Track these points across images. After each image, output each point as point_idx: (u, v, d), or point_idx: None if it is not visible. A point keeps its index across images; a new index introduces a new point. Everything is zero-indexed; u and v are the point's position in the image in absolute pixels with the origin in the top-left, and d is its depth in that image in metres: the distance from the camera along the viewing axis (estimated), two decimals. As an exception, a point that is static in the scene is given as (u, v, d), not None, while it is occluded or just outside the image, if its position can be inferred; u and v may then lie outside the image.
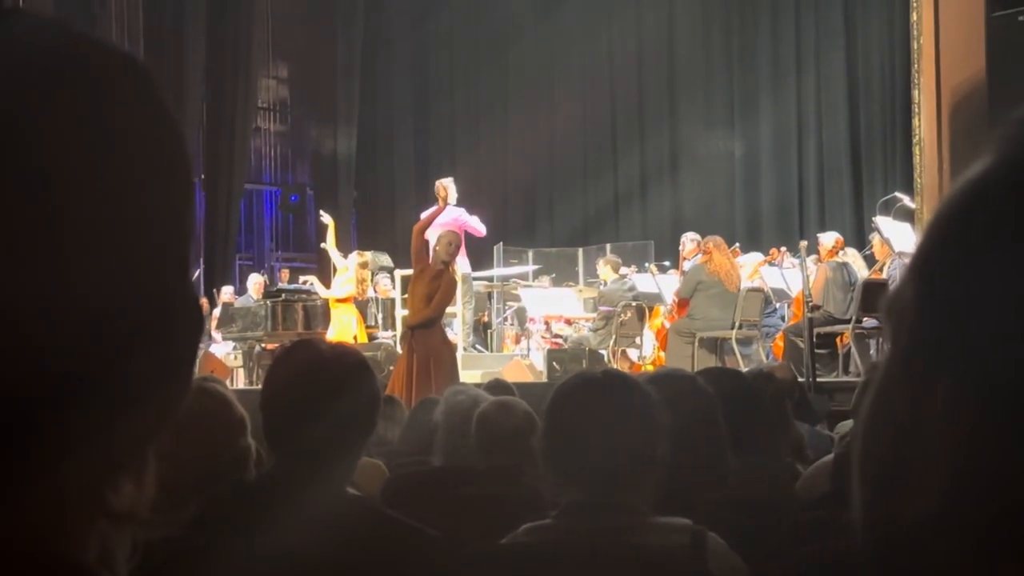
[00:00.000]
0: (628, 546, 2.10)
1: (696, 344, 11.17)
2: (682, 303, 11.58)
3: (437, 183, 11.44)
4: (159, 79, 0.61)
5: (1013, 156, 0.57)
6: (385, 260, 14.66)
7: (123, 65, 0.60)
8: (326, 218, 13.40)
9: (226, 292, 16.21)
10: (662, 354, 12.09)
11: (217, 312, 14.73)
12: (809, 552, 2.43)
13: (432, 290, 9.12)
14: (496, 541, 2.32)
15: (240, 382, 12.92)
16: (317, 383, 2.22)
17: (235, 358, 13.60)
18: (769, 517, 2.79)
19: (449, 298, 9.60)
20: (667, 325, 12.14)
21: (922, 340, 0.58)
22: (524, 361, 12.16)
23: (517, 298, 14.15)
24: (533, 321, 13.64)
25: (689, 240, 12.93)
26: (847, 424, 5.13)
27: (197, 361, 0.69)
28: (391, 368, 10.02)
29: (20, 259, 0.55)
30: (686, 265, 12.66)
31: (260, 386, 2.49)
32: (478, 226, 11.99)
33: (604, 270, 13.31)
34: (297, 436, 2.23)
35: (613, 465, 2.15)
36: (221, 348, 14.18)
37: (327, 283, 13.12)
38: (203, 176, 20.95)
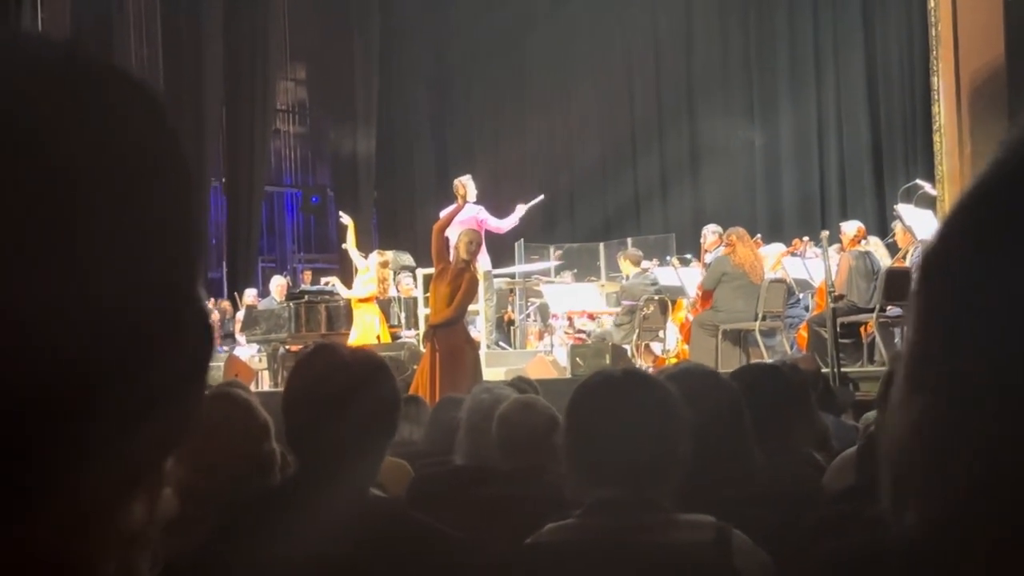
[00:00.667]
0: (652, 544, 2.10)
1: (720, 336, 11.15)
2: (706, 296, 11.56)
3: (456, 181, 11.44)
4: (167, 102, 0.63)
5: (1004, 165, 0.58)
6: (406, 259, 14.67)
7: (133, 87, 0.62)
8: (346, 219, 13.41)
9: (249, 295, 16.28)
10: (686, 347, 12.07)
11: (241, 315, 14.79)
12: (835, 547, 2.42)
13: (453, 289, 9.12)
14: (519, 542, 2.32)
15: (265, 384, 12.95)
16: (337, 387, 2.22)
17: (259, 360, 13.64)
18: (795, 511, 2.78)
19: (471, 297, 9.61)
20: (690, 318, 12.12)
21: (914, 339, 0.59)
22: (548, 357, 12.15)
23: (539, 294, 14.14)
24: (556, 317, 13.63)
25: (711, 232, 12.90)
26: (872, 414, 5.11)
27: (209, 372, 0.69)
28: (415, 367, 10.03)
29: (29, 269, 0.55)
30: (708, 258, 12.63)
31: (292, 368, 2.50)
32: (498, 223, 11.98)
33: (624, 265, 13.29)
34: (318, 440, 2.24)
35: (636, 463, 2.15)
36: (245, 351, 14.23)
37: (349, 284, 13.15)
38: (224, 179, 21.03)
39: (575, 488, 2.22)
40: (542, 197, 12.54)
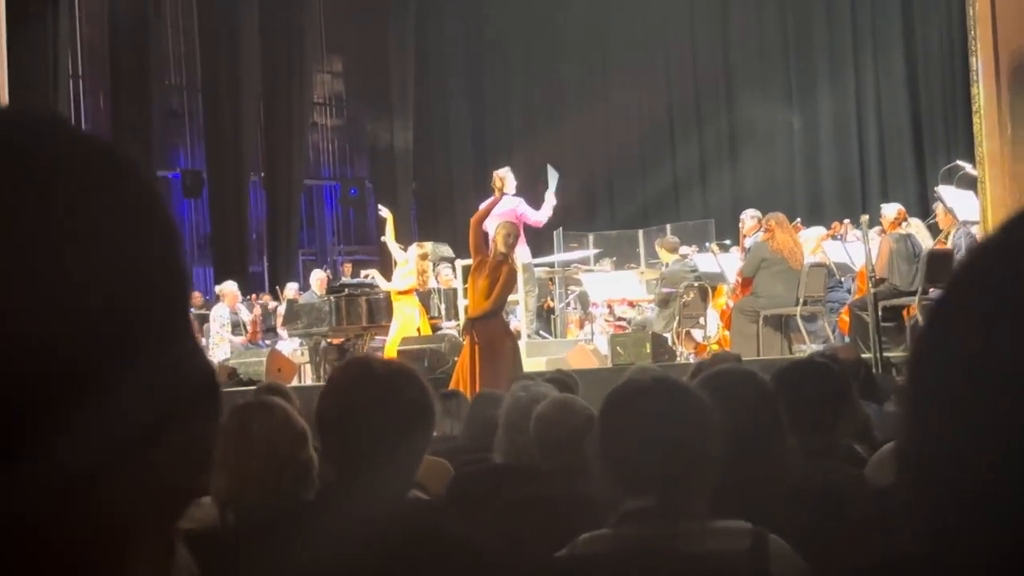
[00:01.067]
0: (687, 554, 2.10)
1: (761, 322, 11.10)
2: (745, 281, 11.51)
3: (494, 174, 11.43)
4: (137, 164, 0.67)
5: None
6: (446, 251, 14.69)
7: (104, 153, 0.66)
8: (385, 212, 13.43)
9: (290, 289, 16.36)
10: (726, 333, 12.03)
11: (282, 309, 14.87)
12: (877, 548, 2.40)
13: (492, 282, 9.14)
14: (554, 544, 2.32)
15: (308, 378, 13.03)
16: (369, 400, 2.23)
17: (302, 354, 13.72)
18: (835, 510, 2.76)
19: (509, 289, 9.62)
20: (731, 304, 12.07)
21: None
22: (588, 346, 12.14)
23: (579, 283, 14.12)
24: (596, 305, 13.61)
25: (749, 217, 12.83)
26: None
27: (217, 384, 0.70)
28: (455, 359, 10.05)
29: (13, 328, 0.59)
30: (747, 243, 12.56)
31: (325, 382, 2.53)
32: (536, 215, 11.94)
33: (661, 253, 13.26)
34: (353, 454, 2.25)
35: (668, 473, 2.15)
36: (287, 345, 14.32)
37: (388, 276, 13.18)
38: (263, 174, 21.15)
39: (609, 497, 2.22)
40: (555, 172, 12.42)
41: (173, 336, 0.66)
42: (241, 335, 14.77)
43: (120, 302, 0.63)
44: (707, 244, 14.48)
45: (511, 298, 10.60)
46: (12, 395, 0.59)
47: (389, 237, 13.11)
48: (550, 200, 12.15)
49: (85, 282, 0.61)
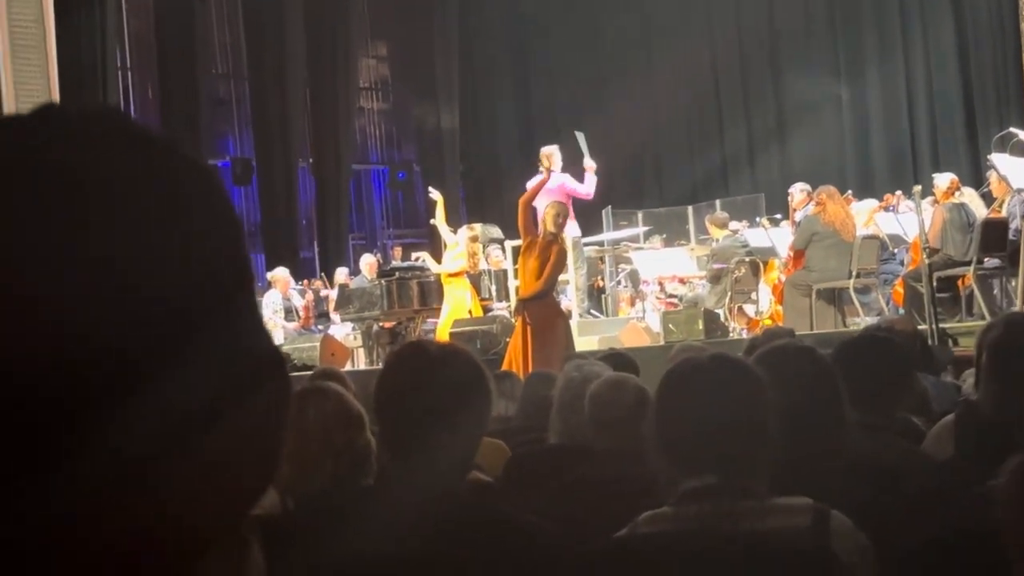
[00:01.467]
0: (748, 532, 2.09)
1: (813, 296, 11.02)
2: (797, 255, 11.42)
3: (540, 152, 11.41)
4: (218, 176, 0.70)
5: None
6: (495, 232, 14.68)
7: (191, 167, 0.68)
8: (435, 194, 13.44)
9: (341, 273, 16.42)
10: (779, 308, 11.95)
11: (334, 294, 14.94)
12: (935, 522, 2.38)
13: (542, 262, 9.13)
14: (610, 525, 2.32)
15: (361, 362, 13.09)
16: (424, 384, 2.24)
17: (354, 338, 13.77)
18: (892, 484, 2.74)
19: (560, 269, 9.61)
20: (783, 279, 11.99)
21: None
22: (640, 324, 12.11)
23: (629, 261, 14.08)
24: (647, 283, 13.56)
25: (798, 191, 12.72)
26: (969, 376, 5.02)
27: (285, 366, 0.71)
28: (507, 340, 10.06)
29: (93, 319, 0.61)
30: (797, 216, 12.47)
31: (380, 366, 2.54)
32: (584, 188, 11.90)
33: (711, 229, 13.19)
34: (410, 436, 2.26)
35: (728, 450, 2.14)
36: (340, 329, 14.39)
37: (439, 258, 13.20)
38: (312, 160, 21.24)
39: (667, 475, 2.22)
40: (580, 134, 12.36)
41: (238, 318, 0.67)
42: (294, 321, 14.86)
43: (184, 286, 0.64)
44: (757, 219, 14.39)
45: (562, 278, 10.58)
46: (76, 382, 0.60)
47: (439, 220, 13.12)
48: (590, 166, 12.09)
49: (149, 267, 0.63)
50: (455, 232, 13.03)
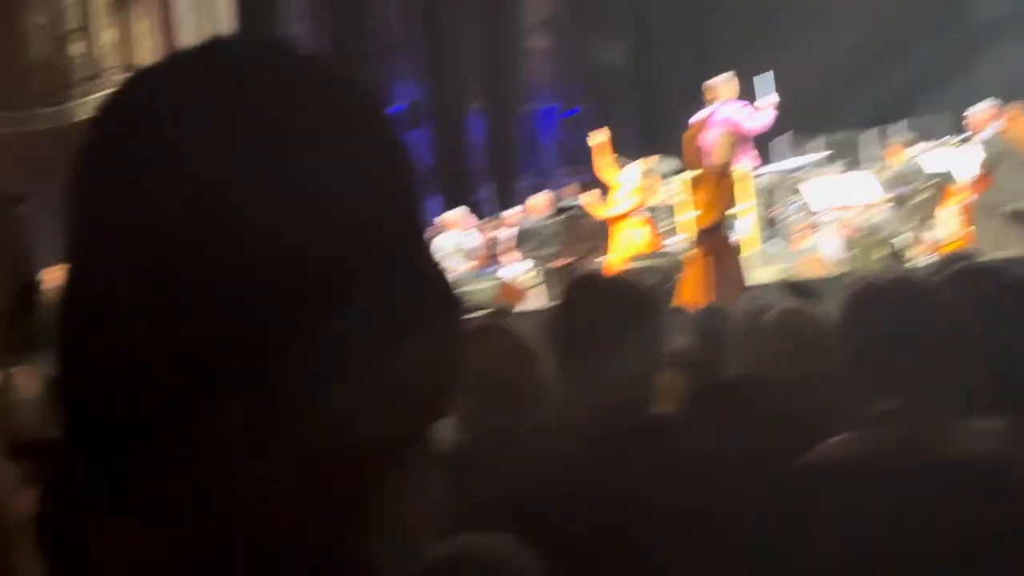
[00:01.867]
0: (938, 456, 2.03)
1: (1004, 218, 10.61)
2: (985, 176, 11.02)
3: (704, 85, 11.21)
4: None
5: None
6: (670, 164, 14.47)
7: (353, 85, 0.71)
8: (602, 133, 13.31)
9: (514, 213, 16.47)
10: (965, 232, 11.55)
11: (507, 235, 15.03)
12: None
13: (715, 194, 9.02)
14: (792, 456, 2.28)
15: (537, 301, 13.14)
16: (600, 316, 2.24)
17: (536, 275, 13.75)
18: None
19: (730, 201, 9.47)
20: (970, 201, 11.57)
21: None
22: (816, 254, 11.86)
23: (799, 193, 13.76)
24: (820, 213, 13.24)
25: (983, 111, 12.21)
26: None
27: (460, 306, 0.74)
28: (678, 276, 9.98)
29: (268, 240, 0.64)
30: (983, 135, 11.99)
31: (555, 302, 2.56)
32: (752, 123, 11.63)
33: (894, 152, 12.80)
34: (587, 370, 2.26)
35: (918, 372, 2.08)
36: (514, 269, 14.46)
37: (608, 198, 13.06)
38: (481, 101, 21.34)
39: (856, 399, 2.17)
40: (762, 81, 11.97)
41: (416, 251, 0.70)
42: (468, 262, 15.00)
43: (365, 218, 0.66)
44: (944, 139, 13.88)
45: (734, 210, 10.43)
46: (266, 311, 0.63)
47: (607, 159, 12.94)
48: (770, 101, 11.81)
49: (329, 199, 0.65)
50: (622, 170, 12.79)
